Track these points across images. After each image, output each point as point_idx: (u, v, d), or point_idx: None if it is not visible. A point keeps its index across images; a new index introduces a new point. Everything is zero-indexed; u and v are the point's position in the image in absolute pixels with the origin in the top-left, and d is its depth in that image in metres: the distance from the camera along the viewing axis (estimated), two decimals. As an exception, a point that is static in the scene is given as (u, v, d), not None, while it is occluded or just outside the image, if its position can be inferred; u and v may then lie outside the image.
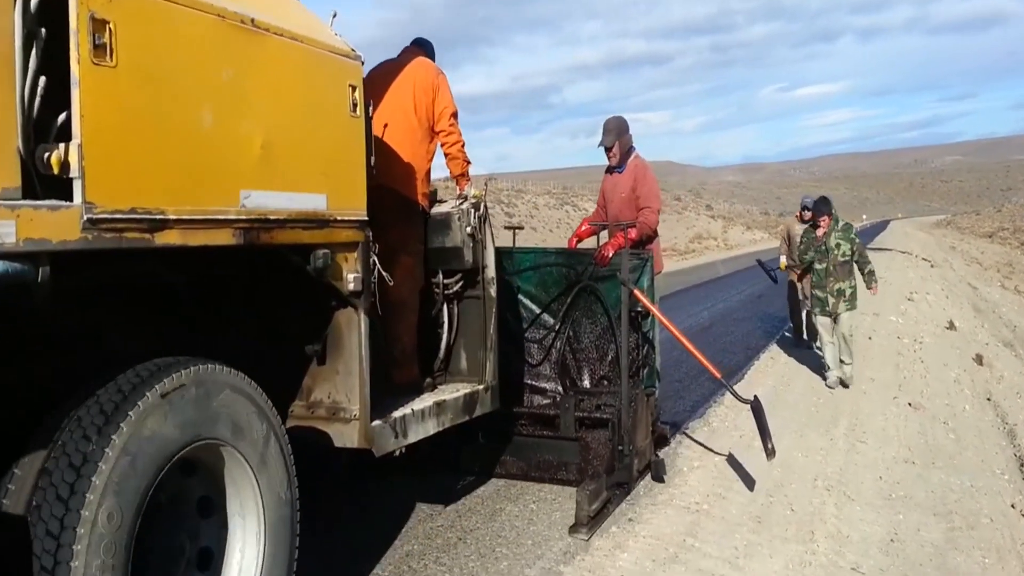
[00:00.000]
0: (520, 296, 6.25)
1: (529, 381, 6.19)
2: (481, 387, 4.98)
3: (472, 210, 4.97)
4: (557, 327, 6.15)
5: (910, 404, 9.43)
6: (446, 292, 5.12)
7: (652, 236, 6.40)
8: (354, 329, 3.90)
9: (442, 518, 5.17)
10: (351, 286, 3.77)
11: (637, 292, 5.55)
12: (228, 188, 3.11)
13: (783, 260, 11.95)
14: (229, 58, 3.11)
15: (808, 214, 10.99)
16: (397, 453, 4.17)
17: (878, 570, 5.21)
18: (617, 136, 6.58)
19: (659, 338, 6.30)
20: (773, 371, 10.45)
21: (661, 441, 6.53)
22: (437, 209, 5.04)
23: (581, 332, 6.11)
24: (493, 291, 5.12)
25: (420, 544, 4.76)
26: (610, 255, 5.97)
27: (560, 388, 6.07)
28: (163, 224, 2.82)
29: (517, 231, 6.75)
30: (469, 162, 5.10)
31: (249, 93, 3.21)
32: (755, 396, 5.77)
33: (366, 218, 3.89)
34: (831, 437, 7.80)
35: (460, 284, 5.13)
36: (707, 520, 5.24)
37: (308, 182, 3.54)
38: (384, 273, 4.00)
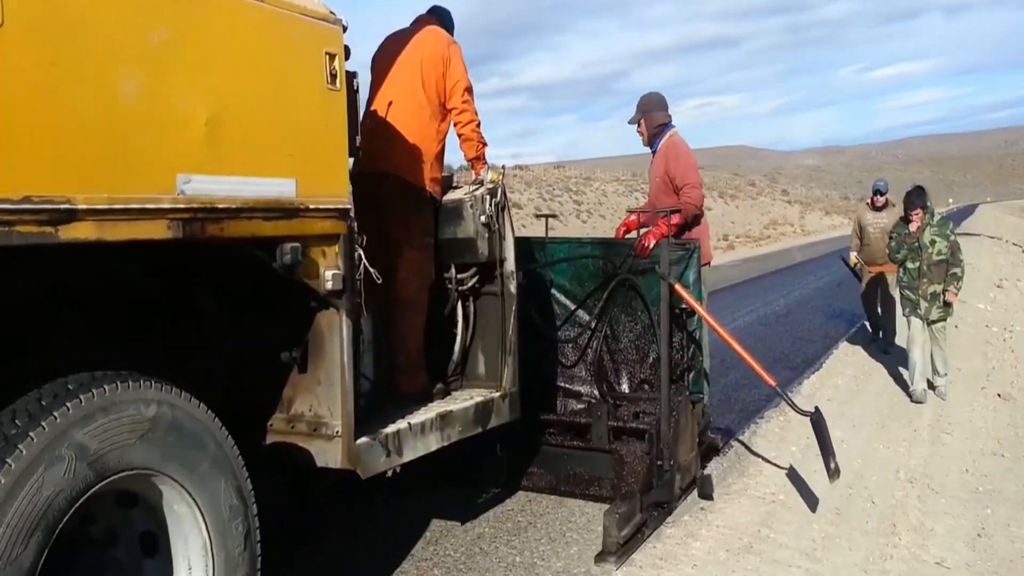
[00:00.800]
0: (553, 291, 5.69)
1: (562, 384, 5.64)
2: (497, 395, 4.44)
3: (488, 197, 4.43)
4: (593, 325, 5.57)
5: (999, 395, 8.80)
6: (460, 288, 4.59)
7: (698, 216, 5.74)
8: (336, 334, 3.40)
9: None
10: (329, 284, 3.27)
11: (679, 287, 4.93)
12: (160, 172, 2.64)
13: (853, 256, 10.60)
14: (162, 17, 2.63)
15: (880, 199, 10.02)
16: (390, 473, 3.69)
17: (964, 565, 4.87)
18: (643, 113, 5.95)
19: (708, 338, 5.67)
20: (853, 360, 9.92)
21: (711, 452, 5.91)
22: (449, 196, 4.51)
23: (619, 331, 5.52)
24: (513, 287, 4.57)
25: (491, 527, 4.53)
26: (651, 245, 5.36)
27: (596, 392, 5.50)
28: (70, 216, 2.35)
29: (551, 219, 6.17)
30: (485, 143, 4.55)
31: (190, 60, 2.73)
32: (816, 408, 5.09)
33: (348, 206, 3.38)
34: (915, 428, 7.44)
35: (476, 279, 4.60)
36: (783, 511, 5.00)
37: (271, 165, 3.05)
38: (372, 270, 3.48)
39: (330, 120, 3.31)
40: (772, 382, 4.94)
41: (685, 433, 5.04)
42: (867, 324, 11.09)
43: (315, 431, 3.49)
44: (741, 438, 6.43)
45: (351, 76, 3.45)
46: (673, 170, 5.78)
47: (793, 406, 5.09)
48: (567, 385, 5.63)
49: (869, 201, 10.35)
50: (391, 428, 3.68)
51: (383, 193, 4.29)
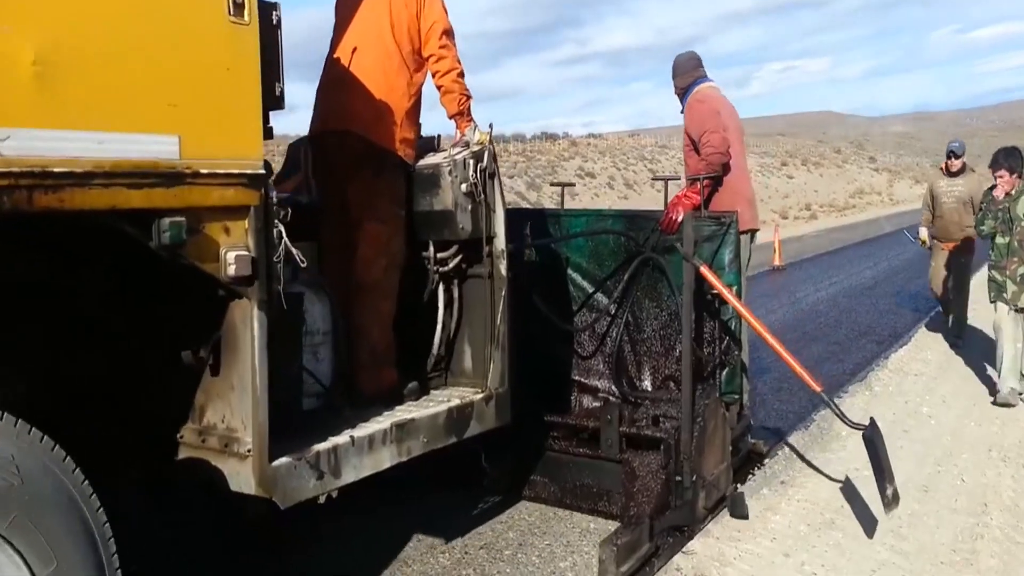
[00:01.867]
0: (569, 270, 4.94)
1: (577, 377, 4.90)
2: (479, 396, 3.75)
3: (471, 161, 3.71)
4: (613, 310, 4.81)
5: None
6: (441, 270, 3.90)
7: (726, 165, 4.93)
8: (247, 329, 2.75)
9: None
10: (232, 269, 2.62)
11: (704, 270, 4.13)
12: (-42, 125, 2.01)
13: (923, 232, 9.00)
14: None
15: (956, 163, 8.54)
16: (322, 500, 3.05)
17: (1062, 548, 4.22)
18: (673, 76, 5.22)
19: (747, 328, 4.86)
20: (946, 333, 9.09)
21: (753, 460, 5.11)
22: (425, 161, 3.81)
23: (643, 318, 4.74)
24: (503, 268, 3.86)
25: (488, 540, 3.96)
26: (678, 218, 4.57)
27: (615, 388, 4.75)
28: None
29: (567, 188, 5.42)
30: (469, 96, 3.82)
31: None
32: (871, 421, 4.24)
33: (262, 171, 2.71)
34: (1010, 406, 6.84)
35: (459, 259, 3.90)
36: (867, 486, 4.59)
37: (140, 117, 2.39)
38: (295, 251, 2.81)
39: (234, 61, 2.63)
40: (817, 387, 4.11)
41: (713, 442, 4.26)
42: (941, 310, 9.65)
43: (227, 447, 2.85)
44: (824, 412, 6.04)
45: (268, 6, 2.77)
46: (690, 125, 5.01)
47: (842, 417, 4.25)
48: (582, 379, 4.90)
49: (943, 166, 8.82)
50: (327, 443, 3.02)
51: (342, 156, 3.62)
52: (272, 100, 2.79)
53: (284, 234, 2.78)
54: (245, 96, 2.65)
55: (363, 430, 3.19)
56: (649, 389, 4.70)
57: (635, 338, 4.76)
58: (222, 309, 2.80)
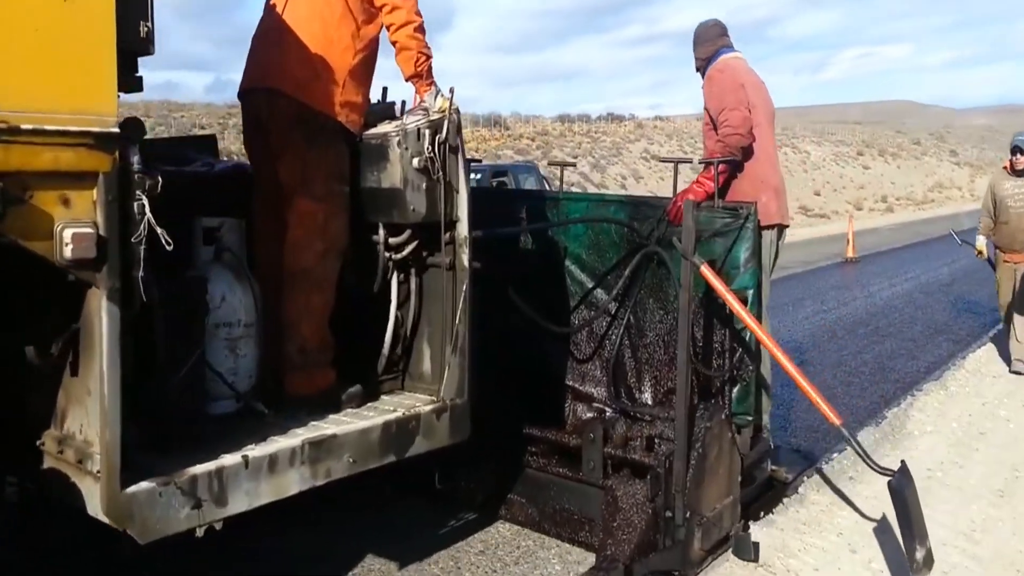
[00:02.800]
0: (567, 262, 4.34)
1: (571, 383, 4.31)
2: (427, 408, 3.19)
3: (426, 131, 3.13)
4: (614, 310, 4.20)
5: None
6: (394, 257, 3.34)
7: (748, 149, 4.26)
8: (96, 324, 2.24)
9: None
10: (69, 249, 2.10)
11: (705, 269, 3.47)
12: None
13: (980, 241, 7.75)
14: None
15: (1021, 160, 7.14)
16: (200, 533, 2.52)
17: None
18: (694, 46, 4.55)
19: (769, 329, 4.19)
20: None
21: (775, 490, 4.44)
22: (374, 130, 3.24)
23: (645, 321, 4.12)
24: (466, 258, 3.28)
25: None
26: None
27: (611, 398, 4.15)
28: None
29: (567, 169, 4.79)
30: (429, 55, 3.22)
31: None
32: (902, 466, 3.53)
33: (114, 130, 2.18)
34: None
35: (414, 246, 3.33)
36: (940, 488, 4.65)
37: (-70, 54, 1.88)
38: (160, 230, 2.28)
39: (76, -8, 2.09)
40: (837, 420, 3.41)
41: (715, 472, 3.62)
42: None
43: (81, 463, 2.36)
44: (897, 410, 6.04)
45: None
46: (708, 99, 4.35)
47: (867, 458, 3.54)
48: (577, 385, 4.29)
49: (1007, 164, 7.37)
50: (210, 464, 2.50)
51: (271, 120, 3.08)
52: (137, 43, 2.26)
53: (147, 208, 2.25)
54: (90, 36, 2.12)
55: (265, 448, 2.66)
56: (649, 403, 4.08)
57: (636, 343, 4.14)
58: (79, 297, 2.30)
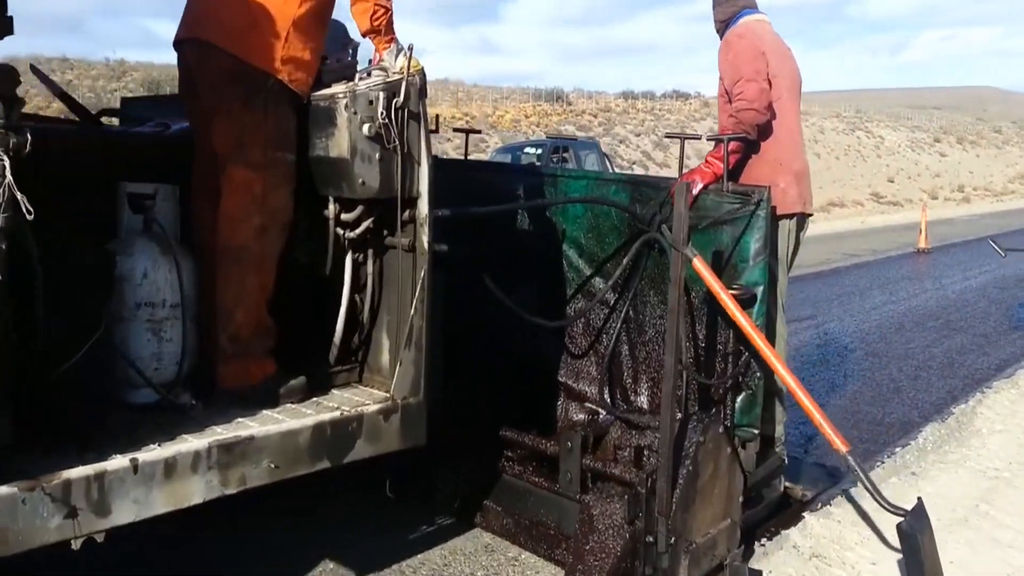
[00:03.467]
0: (565, 246, 3.94)
1: (564, 379, 3.92)
2: (372, 408, 2.83)
3: (380, 94, 2.75)
4: (612, 301, 3.79)
5: None
6: (348, 235, 2.98)
7: (766, 127, 3.77)
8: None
9: None
10: None
11: (698, 263, 3.03)
12: None
13: None
14: None
15: None
16: (76, 545, 2.21)
17: None
18: (713, 5, 4.05)
19: (785, 338, 3.75)
20: None
21: (784, 514, 3.99)
22: (324, 91, 2.87)
23: (645, 315, 3.70)
24: (426, 240, 2.90)
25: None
26: (696, 190, 3.49)
27: (607, 398, 3.76)
28: None
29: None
30: (388, 7, 2.84)
31: None
32: (918, 502, 3.05)
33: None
34: None
35: (369, 223, 2.96)
36: (1007, 489, 4.48)
37: None
38: (20, 196, 1.95)
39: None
40: (843, 447, 2.93)
41: (709, 493, 3.19)
42: None
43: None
44: (964, 407, 5.82)
45: None
46: (723, 68, 3.84)
47: (876, 494, 3.06)
48: (570, 382, 3.91)
49: None
50: (87, 469, 2.18)
51: (205, 76, 2.73)
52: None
53: (7, 171, 1.92)
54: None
55: (163, 450, 2.33)
56: (645, 407, 3.67)
57: (635, 339, 3.73)
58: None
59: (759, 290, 3.39)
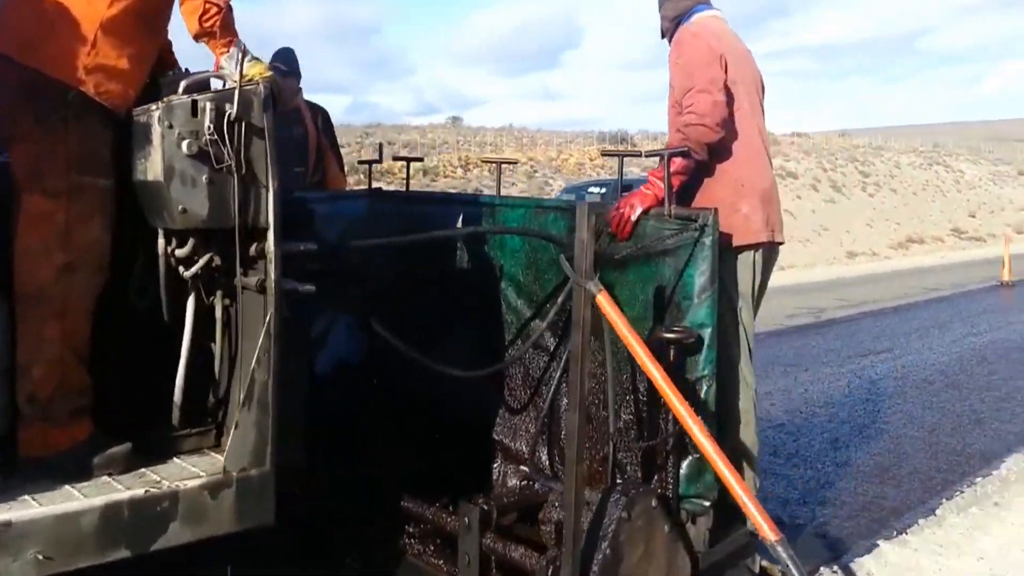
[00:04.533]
0: (503, 285, 3.42)
1: (500, 437, 3.38)
2: (195, 484, 2.33)
3: (207, 104, 2.29)
4: (552, 348, 3.24)
5: None
6: (186, 274, 2.51)
7: (718, 145, 3.14)
8: None
9: None
10: None
11: (602, 300, 2.44)
12: None
13: None
14: None
15: None
16: None
17: None
18: (658, 4, 3.44)
19: (753, 388, 3.13)
20: None
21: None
22: (146, 106, 2.42)
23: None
24: (274, 278, 2.41)
25: None
26: (633, 217, 2.93)
27: (546, 461, 3.19)
28: None
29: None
30: (220, 5, 2.39)
31: None
32: None
33: None
34: None
35: (208, 259, 2.49)
36: None
37: None
38: None
39: None
40: (772, 535, 2.21)
41: (637, 582, 2.58)
42: None
43: None
44: None
45: None
46: (673, 76, 3.22)
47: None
48: (506, 440, 3.36)
49: None
50: None
51: (1, 95, 2.32)
52: None
53: None
54: None
55: None
56: (584, 472, 3.08)
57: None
58: None
59: (706, 333, 2.79)
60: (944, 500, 4.54)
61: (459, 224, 3.63)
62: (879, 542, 3.93)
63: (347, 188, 5.21)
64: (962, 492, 4.68)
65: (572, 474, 2.43)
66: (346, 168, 5.66)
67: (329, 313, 3.59)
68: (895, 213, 33.44)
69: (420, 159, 4.48)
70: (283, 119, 5.34)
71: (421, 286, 3.59)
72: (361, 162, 4.62)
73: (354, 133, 37.27)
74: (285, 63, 4.88)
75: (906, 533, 4.05)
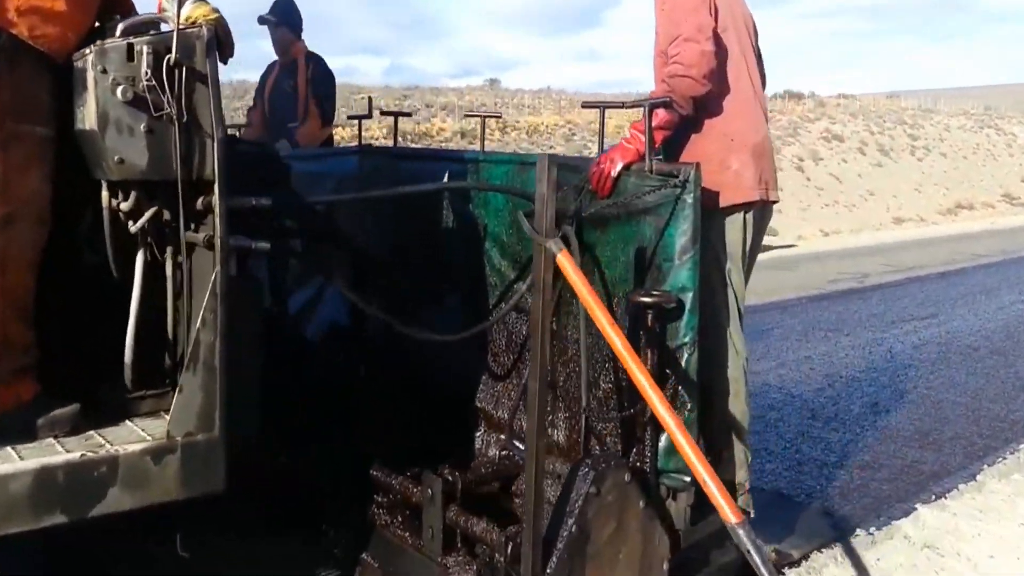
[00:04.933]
0: (487, 244, 3.28)
1: (481, 404, 3.26)
2: (137, 448, 2.23)
3: (145, 47, 2.16)
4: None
5: None
6: (132, 228, 2.40)
7: (706, 97, 2.90)
8: None
9: None
10: None
11: (562, 259, 2.28)
12: None
13: None
14: None
15: None
16: None
17: None
18: None
19: (743, 355, 2.96)
20: None
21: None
22: (83, 51, 2.30)
23: (569, 327, 2.98)
24: (222, 233, 2.29)
25: None
26: (614, 173, 2.76)
27: (517, 433, 3.06)
28: None
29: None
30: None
31: None
32: None
33: None
34: None
35: (152, 212, 2.37)
36: None
37: None
38: None
39: None
40: (733, 518, 2.06)
41: (608, 561, 2.44)
42: None
43: None
44: None
45: None
46: (659, 23, 2.99)
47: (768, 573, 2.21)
48: (489, 408, 3.24)
49: None
50: None
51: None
52: None
53: None
54: None
55: None
56: (562, 442, 2.95)
57: (555, 358, 3.01)
58: None
59: (687, 297, 2.62)
60: (986, 466, 4.51)
61: (444, 180, 3.49)
62: (917, 505, 3.92)
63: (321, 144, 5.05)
64: (1004, 459, 4.63)
65: (533, 447, 2.29)
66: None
67: (306, 274, 3.48)
68: (944, 178, 32.50)
69: (408, 114, 4.33)
70: (281, 72, 5.24)
71: (403, 245, 3.46)
72: (351, 117, 4.50)
73: (393, 95, 37.04)
74: (280, 15, 4.76)
75: (945, 498, 4.03)
